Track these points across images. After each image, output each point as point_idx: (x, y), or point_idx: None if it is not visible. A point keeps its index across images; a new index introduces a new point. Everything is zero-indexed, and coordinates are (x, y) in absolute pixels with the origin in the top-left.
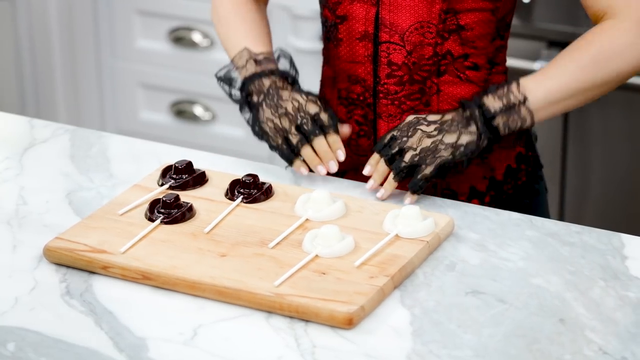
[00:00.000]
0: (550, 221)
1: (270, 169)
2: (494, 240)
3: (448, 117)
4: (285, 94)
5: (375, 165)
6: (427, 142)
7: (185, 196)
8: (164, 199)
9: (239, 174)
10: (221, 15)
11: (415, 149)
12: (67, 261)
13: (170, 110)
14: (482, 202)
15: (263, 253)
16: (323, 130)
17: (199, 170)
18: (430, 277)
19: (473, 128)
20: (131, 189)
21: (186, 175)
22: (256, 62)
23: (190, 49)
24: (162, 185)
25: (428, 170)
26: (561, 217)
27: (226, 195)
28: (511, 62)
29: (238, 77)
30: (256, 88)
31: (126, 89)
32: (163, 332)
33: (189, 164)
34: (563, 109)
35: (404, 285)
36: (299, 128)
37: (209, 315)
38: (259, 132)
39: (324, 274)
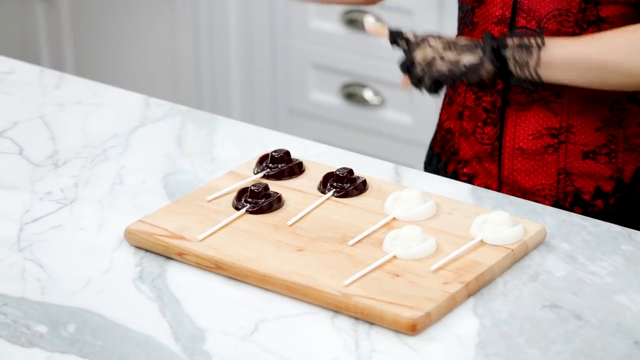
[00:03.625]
0: None
1: (374, 163)
2: (586, 252)
3: (460, 39)
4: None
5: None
6: (429, 54)
7: (278, 186)
8: (252, 188)
9: (335, 166)
10: None
11: (420, 63)
12: (146, 245)
13: (340, 93)
14: (606, 204)
15: (341, 250)
16: None
17: (296, 160)
18: (509, 286)
19: (479, 52)
20: (226, 176)
21: (282, 165)
22: None
23: (363, 32)
24: (257, 173)
25: (427, 81)
26: None
27: (319, 187)
28: None
29: None
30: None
31: (299, 69)
32: (224, 325)
33: (286, 153)
34: (576, 80)
35: (481, 294)
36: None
37: (274, 310)
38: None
39: (397, 276)
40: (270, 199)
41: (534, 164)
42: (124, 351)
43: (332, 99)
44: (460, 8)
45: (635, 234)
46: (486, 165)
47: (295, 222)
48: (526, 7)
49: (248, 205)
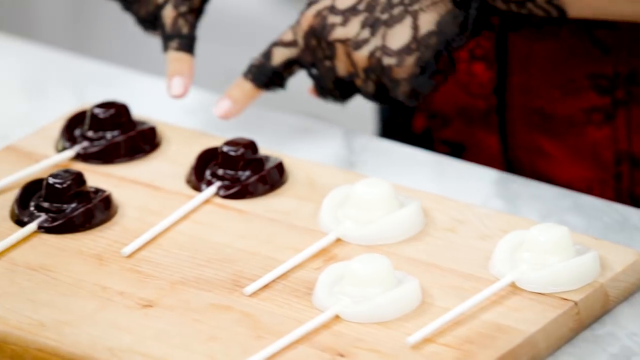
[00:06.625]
0: None
1: (312, 129)
2: None
3: None
4: None
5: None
6: (363, 55)
7: (104, 176)
8: (50, 181)
9: (224, 137)
10: None
11: (358, 74)
12: None
13: None
14: None
15: (230, 305)
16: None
17: (143, 124)
18: None
19: None
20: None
21: (115, 134)
22: None
23: None
24: (62, 150)
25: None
26: None
27: (189, 179)
28: None
29: None
30: None
31: None
32: None
33: (121, 109)
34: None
35: None
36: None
37: None
38: None
39: (341, 356)
40: (87, 205)
41: (569, 140)
42: None
43: None
44: None
45: None
46: (479, 134)
47: (138, 249)
48: None
49: (43, 217)
